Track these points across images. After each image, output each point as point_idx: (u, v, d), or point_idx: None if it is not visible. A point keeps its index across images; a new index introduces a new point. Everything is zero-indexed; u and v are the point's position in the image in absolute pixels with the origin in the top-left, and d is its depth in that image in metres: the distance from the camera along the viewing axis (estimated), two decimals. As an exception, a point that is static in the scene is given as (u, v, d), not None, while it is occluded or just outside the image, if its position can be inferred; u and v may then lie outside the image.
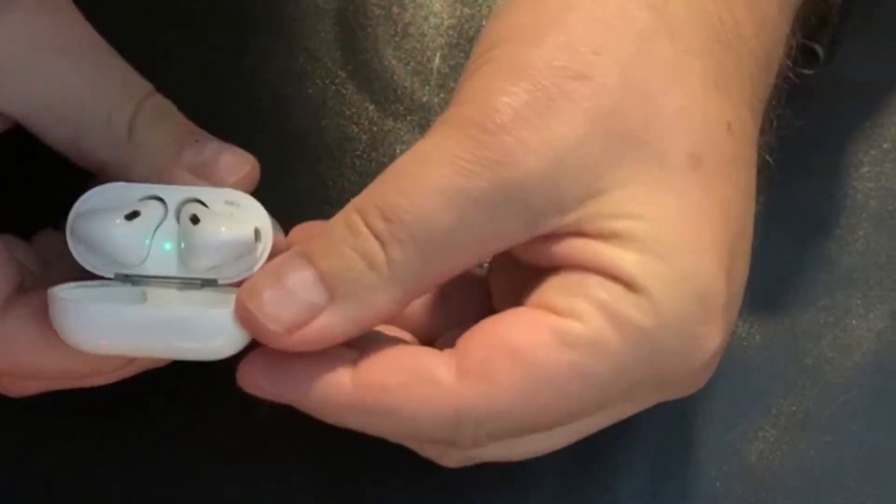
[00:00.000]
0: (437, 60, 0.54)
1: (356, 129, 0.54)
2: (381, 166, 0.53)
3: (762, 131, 0.45)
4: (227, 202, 0.45)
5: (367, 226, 0.41)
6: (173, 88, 0.48)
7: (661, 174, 0.41)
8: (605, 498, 0.51)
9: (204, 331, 0.42)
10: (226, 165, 0.47)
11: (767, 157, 0.45)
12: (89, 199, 0.45)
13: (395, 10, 0.55)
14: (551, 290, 0.42)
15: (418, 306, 0.48)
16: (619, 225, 0.41)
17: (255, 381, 0.43)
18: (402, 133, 0.54)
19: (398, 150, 0.54)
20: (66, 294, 0.43)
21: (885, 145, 0.54)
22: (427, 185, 0.41)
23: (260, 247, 0.45)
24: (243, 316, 0.42)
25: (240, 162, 0.47)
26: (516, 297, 0.43)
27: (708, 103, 0.42)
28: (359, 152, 0.54)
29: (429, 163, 0.41)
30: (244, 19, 0.55)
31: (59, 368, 0.45)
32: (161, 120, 0.47)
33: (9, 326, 0.44)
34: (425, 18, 0.55)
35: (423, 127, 0.54)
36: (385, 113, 0.54)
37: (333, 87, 0.55)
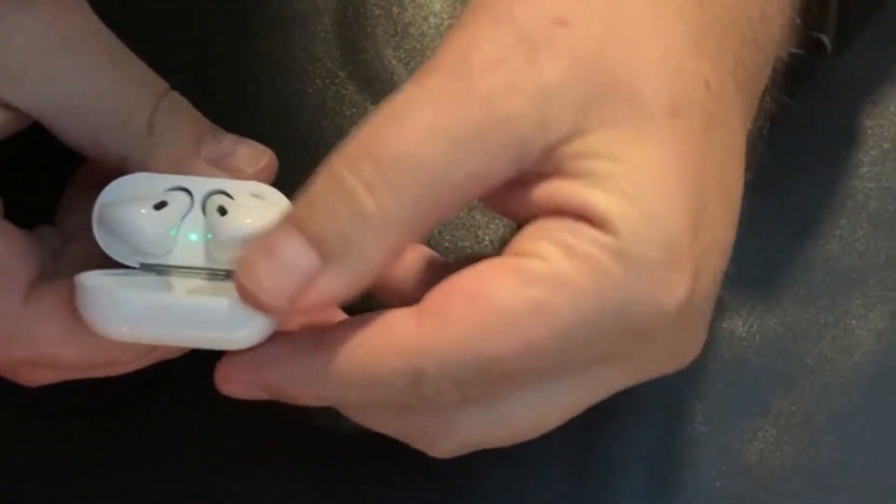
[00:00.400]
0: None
1: (356, 129, 0.54)
2: (381, 166, 0.53)
3: (755, 118, 0.45)
4: (252, 194, 0.46)
5: (354, 173, 0.41)
6: (173, 88, 0.48)
7: (639, 120, 0.41)
8: (605, 498, 0.51)
9: (227, 320, 0.42)
10: (244, 157, 0.47)
11: (760, 148, 0.45)
12: (115, 189, 0.45)
13: (395, 10, 0.55)
14: (519, 238, 0.42)
15: (414, 283, 0.47)
16: (595, 164, 0.41)
17: (228, 375, 0.44)
18: (402, 133, 0.54)
19: (398, 150, 0.54)
20: (92, 281, 0.43)
21: (885, 145, 0.54)
22: (415, 126, 0.41)
23: None
24: (245, 296, 0.42)
25: (257, 153, 0.47)
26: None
27: (686, 60, 0.42)
28: (359, 152, 0.54)
29: (415, 104, 0.41)
30: (244, 19, 0.55)
31: (80, 357, 0.45)
32: (179, 116, 0.47)
33: (32, 313, 0.44)
34: (425, 18, 0.55)
35: (423, 127, 0.54)
36: (385, 113, 0.54)
37: (333, 87, 0.55)
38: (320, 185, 0.42)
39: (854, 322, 0.52)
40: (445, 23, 0.55)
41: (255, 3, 0.56)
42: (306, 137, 0.54)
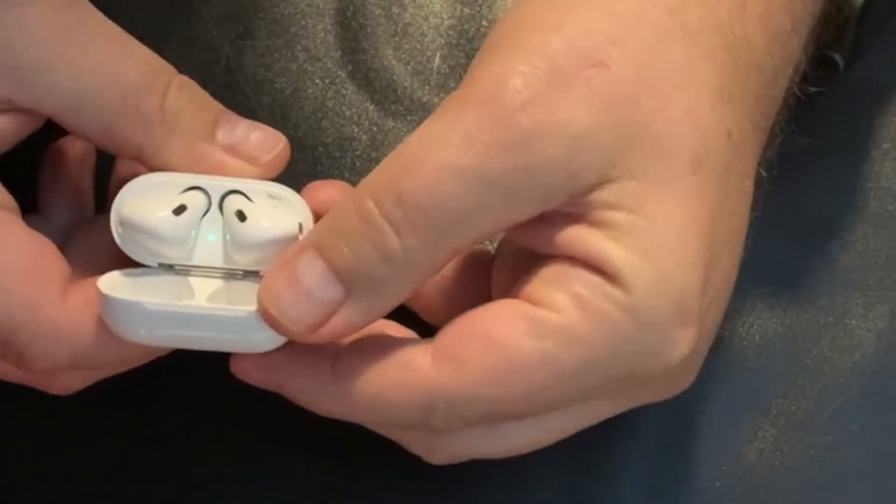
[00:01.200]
0: (437, 60, 0.54)
1: (356, 129, 0.54)
2: (382, 166, 0.53)
3: (765, 147, 0.45)
4: (269, 195, 0.46)
5: (381, 212, 0.41)
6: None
7: (665, 173, 0.42)
8: (605, 496, 0.51)
9: (248, 329, 0.43)
10: (259, 143, 0.47)
11: (763, 173, 0.46)
12: (133, 190, 0.45)
13: (395, 10, 0.55)
14: (534, 281, 0.43)
15: (427, 289, 0.48)
16: (618, 217, 0.41)
17: (245, 368, 0.44)
18: (402, 133, 0.54)
19: (398, 150, 0.54)
20: (114, 288, 0.43)
21: (884, 145, 0.54)
22: (443, 167, 0.41)
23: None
24: (268, 319, 0.42)
25: (272, 139, 0.47)
26: (511, 287, 0.44)
27: (712, 109, 0.42)
28: (359, 152, 0.54)
29: (443, 143, 0.41)
30: (244, 19, 0.55)
31: (120, 354, 0.45)
32: (190, 100, 0.47)
33: (72, 313, 0.44)
34: (425, 18, 0.55)
35: (423, 127, 0.54)
36: (385, 113, 0.54)
37: (333, 87, 0.55)
38: (347, 217, 0.42)
39: (854, 322, 0.52)
40: (445, 23, 0.55)
41: (256, 3, 0.56)
42: (306, 137, 0.54)
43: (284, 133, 0.50)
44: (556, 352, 0.41)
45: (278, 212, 0.45)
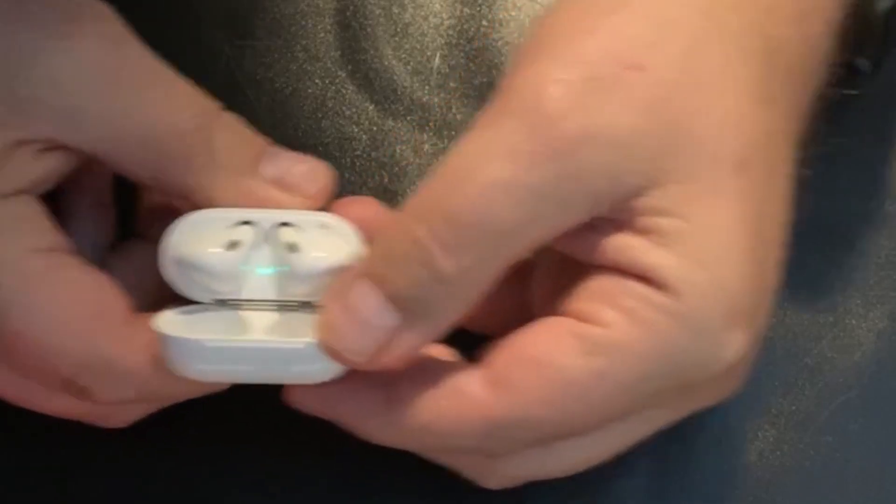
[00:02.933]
0: (437, 60, 0.54)
1: (356, 129, 0.54)
2: (381, 166, 0.54)
3: (800, 147, 0.45)
4: (319, 225, 0.45)
5: (431, 235, 0.41)
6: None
7: (709, 176, 0.41)
8: (605, 497, 0.51)
9: (305, 361, 0.43)
10: (304, 176, 0.46)
11: (804, 171, 0.45)
12: (183, 227, 0.45)
13: (395, 10, 0.55)
14: (580, 297, 0.42)
15: None
16: (665, 223, 0.41)
17: (301, 399, 0.44)
18: (402, 133, 0.54)
19: (398, 150, 0.54)
20: (170, 326, 0.43)
21: (887, 148, 0.54)
22: (489, 183, 0.40)
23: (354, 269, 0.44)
24: (326, 349, 0.42)
25: (315, 170, 0.47)
26: (553, 299, 0.44)
27: (752, 111, 0.42)
28: (359, 152, 0.54)
29: (487, 158, 0.41)
30: (243, 19, 0.55)
31: (183, 390, 0.45)
32: (236, 136, 0.46)
33: (135, 351, 0.44)
34: (425, 18, 0.55)
35: (422, 127, 0.54)
36: (385, 113, 0.54)
37: (333, 87, 0.55)
38: (397, 242, 0.42)
39: (854, 322, 0.52)
40: (445, 23, 0.55)
41: (255, 3, 0.56)
42: (306, 137, 0.54)
43: (284, 133, 0.51)
44: (609, 368, 0.41)
45: (330, 241, 0.45)
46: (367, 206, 0.47)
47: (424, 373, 0.43)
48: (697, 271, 0.41)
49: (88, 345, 0.44)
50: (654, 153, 0.41)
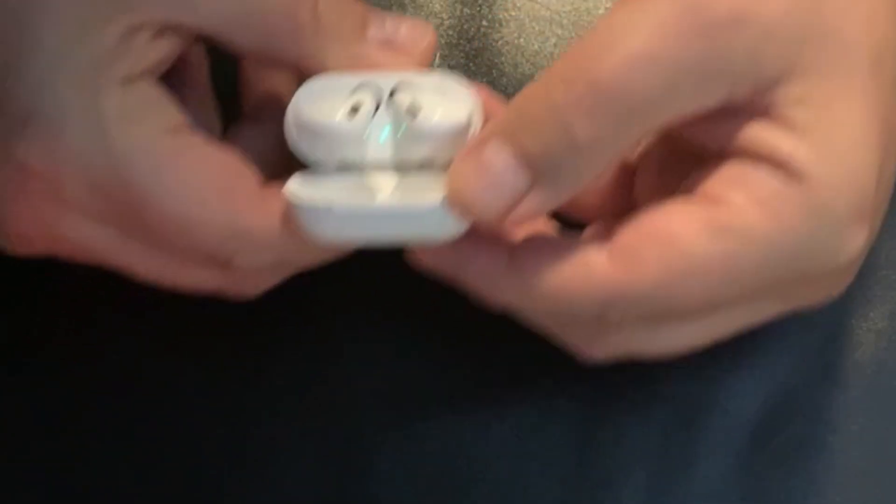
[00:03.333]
0: (436, 60, 0.54)
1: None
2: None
3: None
4: (436, 87, 0.46)
5: (573, 101, 0.42)
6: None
7: (848, 72, 0.42)
8: (605, 498, 0.51)
9: (433, 220, 0.44)
10: (409, 35, 0.48)
11: None
12: (305, 96, 0.46)
13: (395, 10, 0.55)
14: (711, 180, 0.43)
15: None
16: (803, 114, 0.42)
17: (424, 259, 0.45)
18: (402, 133, 0.54)
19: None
20: (302, 191, 0.44)
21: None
22: (636, 54, 0.41)
23: (472, 129, 0.46)
24: (455, 205, 0.43)
25: (420, 30, 0.48)
26: (662, 192, 0.44)
27: (887, 18, 0.43)
28: (359, 152, 0.54)
29: (634, 30, 0.42)
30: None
31: (317, 255, 0.46)
32: (340, 3, 0.47)
33: (270, 220, 0.45)
34: (425, 18, 0.55)
35: (423, 127, 0.54)
36: (385, 113, 0.54)
37: (333, 87, 0.55)
38: (535, 104, 0.43)
39: (854, 322, 0.52)
40: (446, 22, 0.55)
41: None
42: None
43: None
44: (736, 252, 0.42)
45: (448, 102, 0.46)
46: (480, 90, 0.47)
47: (549, 242, 0.44)
48: (831, 163, 0.42)
49: (228, 217, 0.45)
50: (798, 43, 0.42)
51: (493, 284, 0.45)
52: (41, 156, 0.44)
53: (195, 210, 0.45)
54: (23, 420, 0.52)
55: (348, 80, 0.46)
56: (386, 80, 0.46)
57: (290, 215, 0.44)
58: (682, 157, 0.45)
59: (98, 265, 0.47)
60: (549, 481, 0.50)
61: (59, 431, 0.52)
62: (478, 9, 0.55)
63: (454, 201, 0.43)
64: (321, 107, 0.45)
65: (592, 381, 0.51)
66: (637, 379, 0.51)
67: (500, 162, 0.43)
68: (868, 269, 0.53)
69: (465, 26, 0.55)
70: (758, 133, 0.43)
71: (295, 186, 0.45)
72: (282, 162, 0.47)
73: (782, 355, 0.52)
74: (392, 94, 0.46)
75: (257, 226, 0.45)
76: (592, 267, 0.43)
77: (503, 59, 0.54)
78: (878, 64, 0.43)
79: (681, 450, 0.51)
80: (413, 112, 0.45)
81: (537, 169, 0.43)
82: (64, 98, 0.44)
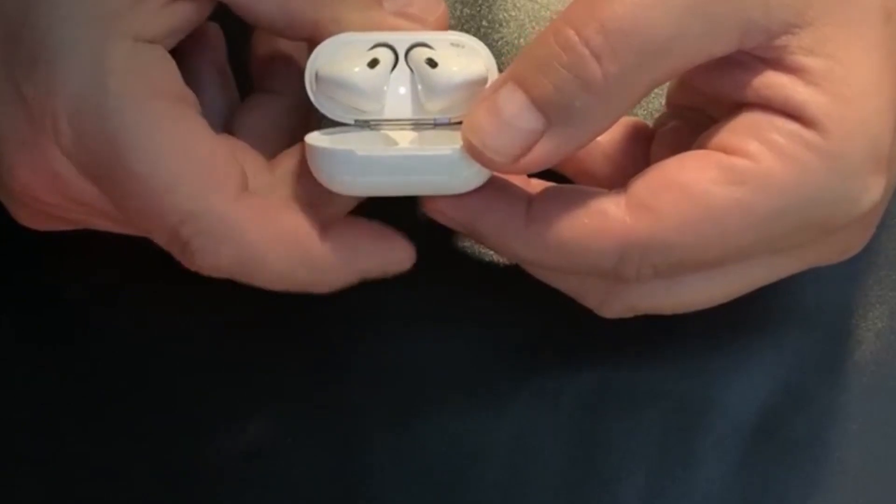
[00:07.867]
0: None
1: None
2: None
3: None
4: (452, 44, 0.47)
5: (582, 40, 0.42)
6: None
7: (860, 20, 0.43)
8: (605, 497, 0.51)
9: (451, 168, 0.44)
10: (422, 6, 0.48)
11: None
12: (326, 50, 0.46)
13: (395, 9, 0.55)
14: (725, 131, 0.43)
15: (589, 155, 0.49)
16: (816, 62, 0.42)
17: (441, 208, 0.45)
18: (402, 133, 0.54)
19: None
20: (317, 141, 0.45)
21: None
22: None
23: (488, 82, 0.46)
24: (471, 151, 0.43)
25: (433, 2, 0.48)
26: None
27: None
28: (359, 152, 0.54)
29: None
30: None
31: (276, 270, 0.45)
32: None
33: (238, 216, 0.44)
34: (425, 18, 0.55)
35: (423, 127, 0.54)
36: (385, 113, 0.54)
37: (333, 87, 0.55)
38: (547, 47, 0.43)
39: (854, 322, 0.52)
40: (445, 23, 0.55)
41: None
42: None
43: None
44: (751, 199, 0.42)
45: (465, 57, 0.46)
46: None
47: (566, 192, 0.44)
48: (846, 111, 0.42)
49: (193, 193, 0.44)
50: None
51: (509, 234, 0.45)
52: (44, 100, 0.44)
53: (166, 176, 0.44)
54: (22, 419, 0.52)
55: (367, 37, 0.47)
56: (404, 38, 0.47)
57: (311, 161, 0.44)
58: (697, 130, 0.45)
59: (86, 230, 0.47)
60: (548, 481, 0.50)
61: (65, 432, 0.52)
62: (478, 9, 0.55)
63: (468, 145, 0.43)
64: (341, 61, 0.46)
65: (592, 381, 0.51)
66: (637, 378, 0.51)
67: (512, 105, 0.43)
68: (868, 269, 0.53)
69: (465, 26, 0.55)
70: (771, 82, 0.43)
71: (313, 136, 0.45)
72: (296, 133, 0.47)
73: (782, 355, 0.52)
74: (409, 52, 0.47)
75: (219, 213, 0.44)
76: (609, 216, 0.43)
77: (503, 59, 0.54)
78: (889, 13, 0.43)
79: (681, 450, 0.51)
80: (432, 66, 0.46)
81: (550, 111, 0.43)
82: (71, 41, 0.44)
